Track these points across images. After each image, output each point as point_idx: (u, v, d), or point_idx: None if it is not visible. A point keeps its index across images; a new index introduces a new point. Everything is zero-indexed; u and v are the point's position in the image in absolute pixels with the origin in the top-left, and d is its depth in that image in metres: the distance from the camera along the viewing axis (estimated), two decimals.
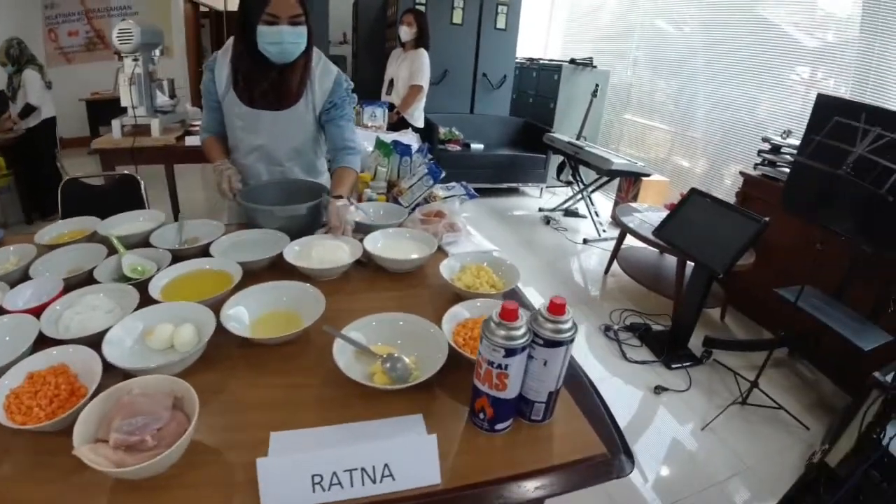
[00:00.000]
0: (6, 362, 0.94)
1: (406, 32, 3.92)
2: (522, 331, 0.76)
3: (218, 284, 1.22)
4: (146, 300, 1.13)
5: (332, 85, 1.66)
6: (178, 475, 0.75)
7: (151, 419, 0.76)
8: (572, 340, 0.79)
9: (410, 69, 3.95)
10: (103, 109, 5.35)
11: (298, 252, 1.36)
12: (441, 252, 1.48)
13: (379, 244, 1.43)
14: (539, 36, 7.06)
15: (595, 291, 3.70)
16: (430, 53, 3.96)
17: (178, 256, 1.37)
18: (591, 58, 5.52)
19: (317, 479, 0.70)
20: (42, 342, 1.01)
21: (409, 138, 2.47)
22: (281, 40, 1.44)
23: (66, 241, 1.51)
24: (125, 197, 2.17)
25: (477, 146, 5.47)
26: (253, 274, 1.31)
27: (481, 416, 0.83)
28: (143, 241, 1.47)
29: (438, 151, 5.09)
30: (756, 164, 3.25)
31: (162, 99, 3.24)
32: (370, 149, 2.14)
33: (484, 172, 5.33)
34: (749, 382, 2.50)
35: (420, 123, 4.17)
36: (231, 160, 1.73)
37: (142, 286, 1.19)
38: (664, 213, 3.42)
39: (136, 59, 2.86)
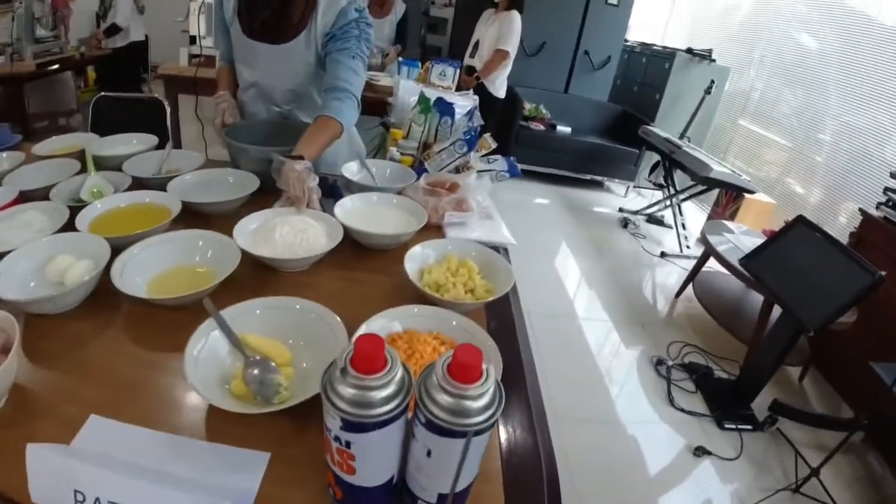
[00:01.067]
0: None
1: None
2: (386, 393, 0.44)
3: (156, 221, 1.03)
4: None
5: (335, 17, 1.38)
6: None
7: None
8: (486, 430, 0.45)
9: (499, 31, 3.61)
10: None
11: (255, 232, 1.04)
12: (440, 234, 1.19)
13: (353, 212, 1.14)
14: (654, 19, 6.38)
15: (659, 314, 3.23)
16: (528, 22, 3.63)
17: (145, 185, 1.24)
18: (710, 50, 4.86)
19: (79, 498, 0.53)
20: None
21: (465, 100, 2.15)
22: None
23: (58, 155, 1.45)
24: (150, 120, 2.06)
25: (564, 129, 5.01)
26: (207, 219, 1.11)
27: (331, 492, 0.55)
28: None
29: (520, 128, 4.72)
30: (879, 204, 2.65)
31: None
32: (414, 99, 1.87)
33: (566, 159, 4.89)
34: (809, 468, 2.00)
35: (501, 93, 3.84)
36: (236, 96, 1.57)
37: None
38: (760, 239, 2.90)
39: None
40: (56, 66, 3.94)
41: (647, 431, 2.20)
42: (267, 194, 1.18)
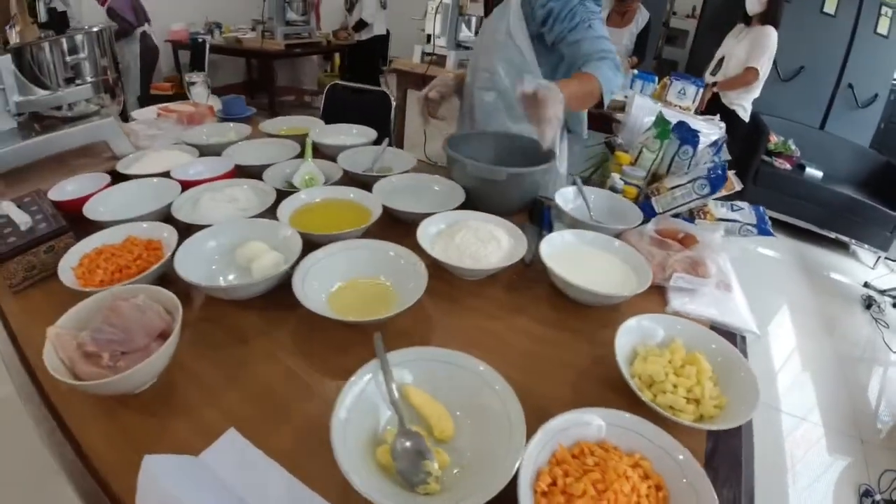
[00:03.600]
0: (120, 218, 0.98)
1: (754, 4, 3.11)
2: None
3: (354, 222, 0.98)
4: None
5: None
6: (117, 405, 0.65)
7: (123, 338, 0.67)
8: None
9: (750, 48, 3.13)
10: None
11: (440, 233, 0.98)
12: (661, 299, 0.95)
13: (562, 250, 0.95)
14: None
15: (880, 431, 2.49)
16: (785, 40, 3.09)
17: (357, 181, 1.23)
18: None
19: None
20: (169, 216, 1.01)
21: (710, 127, 1.83)
22: None
23: (283, 135, 1.54)
24: (376, 111, 2.11)
25: (814, 172, 4.17)
26: (401, 224, 1.04)
27: None
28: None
29: (761, 163, 4.06)
30: None
31: (466, 34, 3.16)
32: (649, 120, 1.62)
33: (811, 209, 4.07)
34: None
35: (745, 116, 3.34)
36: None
37: None
38: None
39: None
40: (299, 50, 4.39)
41: None
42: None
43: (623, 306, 0.88)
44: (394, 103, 2.12)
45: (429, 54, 3.02)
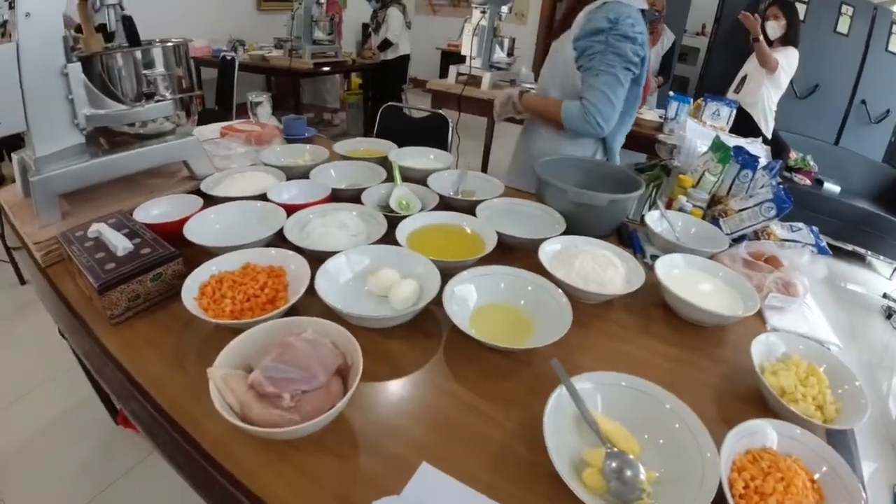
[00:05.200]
0: (235, 244, 0.97)
1: (774, 28, 3.23)
2: None
3: (468, 247, 1.06)
4: (393, 237, 1.04)
5: (584, 21, 1.32)
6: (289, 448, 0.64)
7: (304, 376, 0.63)
8: None
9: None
10: (455, 59, 5.83)
11: (557, 254, 1.05)
12: (758, 317, 1.02)
13: (672, 272, 1.03)
14: None
15: None
16: (803, 61, 3.20)
17: (446, 204, 1.28)
18: None
19: None
20: (282, 241, 1.01)
21: (758, 149, 1.92)
22: None
23: (359, 157, 1.56)
24: (432, 133, 2.17)
25: (832, 187, 4.27)
26: (509, 249, 1.09)
27: None
28: (422, 178, 1.40)
29: (782, 180, 4.15)
30: None
31: (499, 55, 3.24)
32: (703, 149, 1.71)
33: (830, 222, 4.14)
34: None
35: (767, 132, 3.43)
36: None
37: (399, 221, 1.11)
38: None
39: (483, 12, 2.87)
40: (329, 69, 4.47)
41: None
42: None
43: (730, 326, 0.96)
44: (451, 125, 2.18)
45: (463, 74, 3.11)
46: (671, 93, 2.62)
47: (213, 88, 3.94)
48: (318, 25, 4.39)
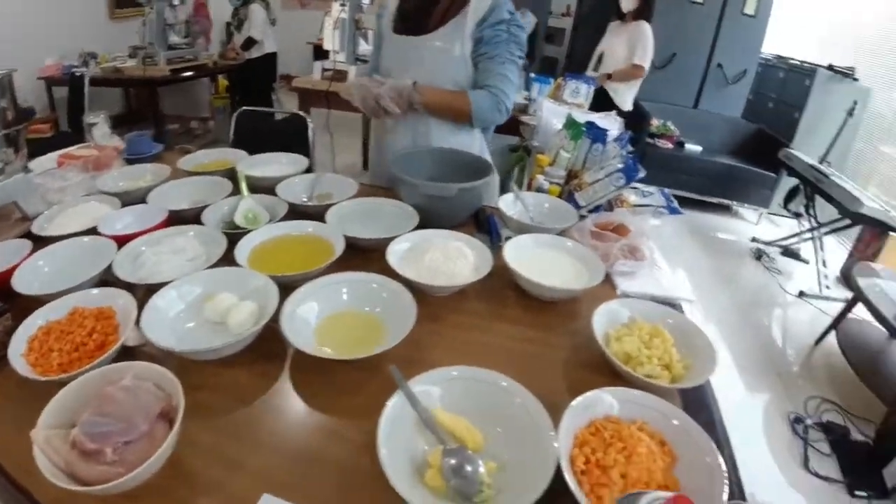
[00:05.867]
0: (60, 289, 0.88)
1: (627, 1, 3.39)
2: None
3: (315, 256, 0.99)
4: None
5: (485, 11, 1.31)
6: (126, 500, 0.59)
7: (123, 427, 0.60)
8: None
9: (629, 44, 3.42)
10: (325, 54, 5.70)
11: (406, 252, 1.03)
12: (608, 284, 1.06)
13: (522, 253, 1.03)
14: (793, 31, 5.80)
15: (795, 365, 2.84)
16: (658, 31, 3.39)
17: (298, 212, 1.21)
18: (852, 68, 4.33)
19: None
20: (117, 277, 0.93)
21: (611, 122, 2.00)
22: None
23: (205, 171, 1.45)
24: (293, 136, 2.07)
25: (693, 147, 4.65)
26: (362, 252, 1.05)
27: None
28: (275, 186, 1.32)
29: (645, 146, 4.43)
30: None
31: (365, 48, 3.18)
32: (559, 126, 1.75)
33: (694, 180, 4.52)
34: None
35: (627, 107, 3.62)
36: None
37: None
38: None
39: (343, 4, 2.81)
40: (190, 74, 4.20)
41: (776, 494, 1.98)
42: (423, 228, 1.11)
43: (582, 297, 0.98)
44: (310, 125, 2.09)
45: (328, 69, 3.02)
46: (532, 74, 2.69)
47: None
48: (174, 29, 4.11)
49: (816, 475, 2.07)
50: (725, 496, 0.57)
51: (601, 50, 3.69)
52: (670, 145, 4.61)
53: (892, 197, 4.12)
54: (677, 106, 4.89)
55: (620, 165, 1.43)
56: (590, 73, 3.69)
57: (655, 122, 4.60)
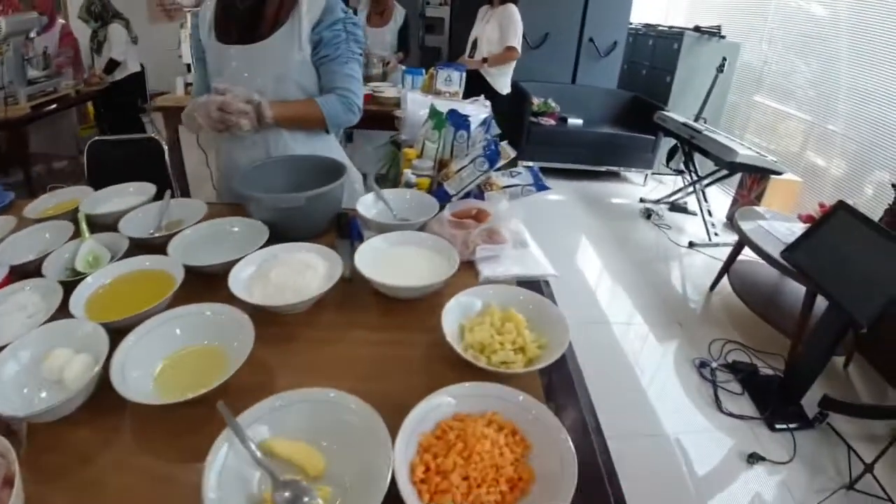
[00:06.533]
0: None
1: None
2: None
3: (156, 292, 0.91)
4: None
5: (321, 12, 1.30)
6: None
7: None
8: None
9: (500, 28, 3.49)
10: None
11: (253, 275, 0.96)
12: (472, 272, 1.06)
13: (377, 255, 1.01)
14: None
15: (695, 310, 3.05)
16: (529, 13, 3.50)
17: (145, 246, 1.12)
18: (719, 27, 4.67)
19: None
20: None
21: (477, 108, 2.02)
22: None
23: (51, 216, 1.31)
24: (150, 162, 1.93)
25: (575, 121, 4.85)
26: (207, 280, 0.98)
27: None
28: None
29: (530, 125, 4.56)
30: None
31: None
32: (424, 113, 1.74)
33: (581, 152, 4.73)
34: (863, 464, 1.90)
35: (505, 91, 3.70)
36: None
37: None
38: (795, 224, 2.75)
39: (196, 16, 2.65)
40: (53, 107, 3.86)
41: (699, 442, 2.08)
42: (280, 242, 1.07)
43: (445, 290, 0.96)
44: (165, 147, 1.96)
45: (191, 84, 2.86)
46: (403, 67, 2.67)
47: None
48: (31, 63, 3.73)
49: (731, 415, 2.20)
50: (575, 479, 0.56)
51: (474, 36, 3.74)
52: (553, 122, 4.77)
53: (769, 141, 4.50)
54: (556, 83, 5.07)
55: (481, 151, 1.44)
56: (465, 59, 3.73)
57: (536, 101, 4.74)
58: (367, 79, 3.47)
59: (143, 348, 0.79)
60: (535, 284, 1.04)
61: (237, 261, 0.97)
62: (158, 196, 1.34)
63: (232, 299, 0.87)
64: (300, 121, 1.37)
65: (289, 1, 1.29)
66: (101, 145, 1.99)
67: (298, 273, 0.91)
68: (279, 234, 1.09)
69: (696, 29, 4.74)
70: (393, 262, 0.99)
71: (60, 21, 4.31)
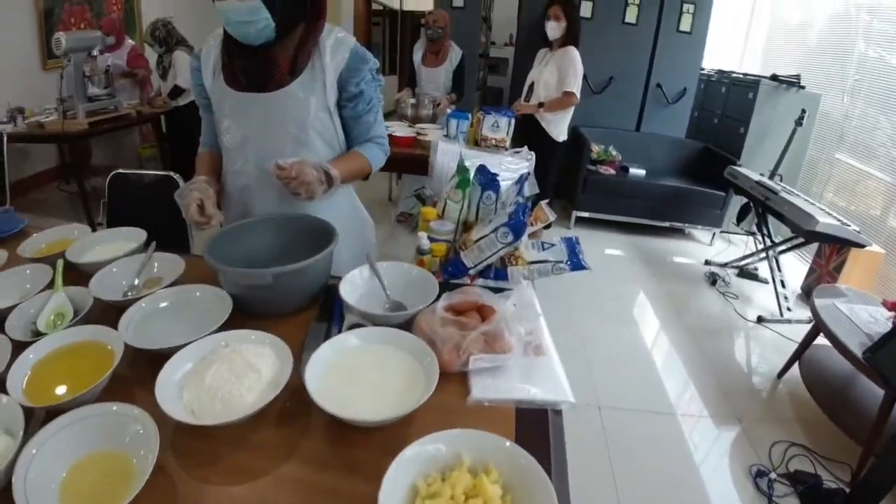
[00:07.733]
0: None
1: (553, 28, 3.30)
2: None
3: (95, 373, 0.78)
4: None
5: (347, 60, 1.23)
6: None
7: None
8: None
9: (559, 71, 3.32)
10: None
11: (189, 373, 0.80)
12: (463, 387, 0.86)
13: (341, 359, 0.82)
14: (733, 45, 5.81)
15: (758, 402, 2.64)
16: (593, 56, 3.33)
17: (114, 308, 1.00)
18: (798, 76, 4.30)
19: None
20: None
21: (518, 161, 1.84)
22: (228, 20, 1.10)
23: (43, 257, 1.23)
24: (166, 199, 1.86)
25: (637, 171, 4.56)
26: (157, 357, 0.83)
27: None
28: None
29: (586, 174, 4.33)
30: None
31: None
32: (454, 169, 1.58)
33: (641, 205, 4.41)
34: None
35: (562, 138, 3.50)
36: (223, 181, 1.38)
37: None
38: (878, 309, 2.38)
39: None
40: (108, 126, 4.02)
41: None
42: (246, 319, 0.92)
43: (418, 412, 0.75)
44: (181, 185, 1.88)
45: None
46: (451, 108, 2.53)
47: None
48: (93, 80, 3.90)
49: None
50: None
51: (531, 79, 3.58)
52: (613, 171, 4.51)
53: (848, 202, 4.08)
54: (618, 130, 4.82)
55: (505, 219, 1.26)
56: (519, 104, 3.58)
57: (596, 149, 4.50)
58: (416, 119, 3.37)
59: (54, 447, 0.67)
60: (540, 414, 0.82)
61: (179, 347, 0.82)
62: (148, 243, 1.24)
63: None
64: (354, 176, 1.37)
65: (304, 49, 1.20)
66: (121, 178, 1.96)
67: (237, 378, 0.74)
68: (251, 309, 0.95)
69: (774, 77, 4.39)
70: (359, 369, 0.80)
71: (130, 42, 4.50)
